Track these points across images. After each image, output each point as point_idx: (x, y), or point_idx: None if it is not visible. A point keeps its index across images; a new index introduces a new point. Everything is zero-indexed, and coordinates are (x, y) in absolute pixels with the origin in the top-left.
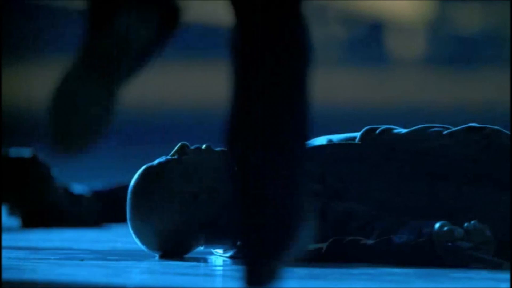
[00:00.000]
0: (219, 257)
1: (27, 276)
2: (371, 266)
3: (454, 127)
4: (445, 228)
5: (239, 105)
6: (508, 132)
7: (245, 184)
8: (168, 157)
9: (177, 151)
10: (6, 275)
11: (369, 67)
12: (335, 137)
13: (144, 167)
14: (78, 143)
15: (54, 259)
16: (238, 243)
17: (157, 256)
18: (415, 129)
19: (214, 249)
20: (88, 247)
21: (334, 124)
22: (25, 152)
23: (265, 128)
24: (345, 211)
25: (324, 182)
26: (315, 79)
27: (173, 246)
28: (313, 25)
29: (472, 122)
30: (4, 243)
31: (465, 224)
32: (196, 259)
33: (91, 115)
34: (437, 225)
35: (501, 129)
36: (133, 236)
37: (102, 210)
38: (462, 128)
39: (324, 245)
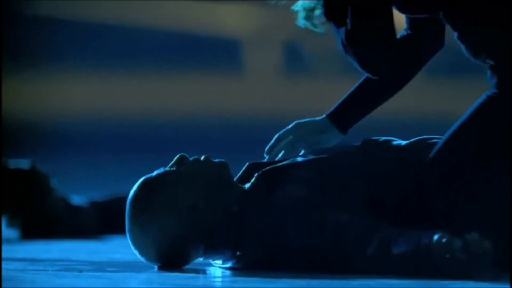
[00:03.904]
0: (218, 268)
1: (26, 287)
2: (370, 277)
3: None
4: (444, 239)
5: None
6: None
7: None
8: (167, 168)
9: (176, 162)
10: (5, 286)
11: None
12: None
13: (143, 178)
14: None
15: (53, 270)
16: (237, 253)
17: (156, 267)
18: (415, 141)
19: (213, 260)
20: (86, 258)
21: None
22: (24, 163)
23: None
24: (343, 221)
25: (323, 192)
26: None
27: (172, 257)
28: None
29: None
30: (3, 254)
31: (464, 235)
32: (195, 270)
33: None
34: (435, 236)
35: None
36: (132, 247)
37: (101, 221)
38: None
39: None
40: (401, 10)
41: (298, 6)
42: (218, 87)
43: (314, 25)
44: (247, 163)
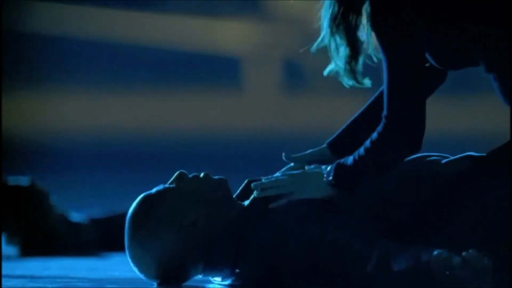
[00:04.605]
0: (217, 285)
1: None
2: None
3: (453, 156)
4: (443, 256)
5: None
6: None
7: None
8: (166, 185)
9: (175, 179)
10: None
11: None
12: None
13: (142, 195)
14: None
15: (52, 287)
16: (237, 270)
17: (155, 284)
18: (415, 158)
19: (212, 277)
20: (86, 275)
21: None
22: (24, 180)
23: None
24: (343, 237)
25: (322, 209)
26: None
27: (172, 274)
28: None
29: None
30: (2, 271)
31: (463, 253)
32: (195, 287)
33: None
34: (435, 253)
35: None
36: (131, 264)
37: (101, 238)
38: (461, 157)
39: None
40: (439, 64)
41: (337, 66)
42: (217, 104)
43: (361, 82)
44: (246, 180)
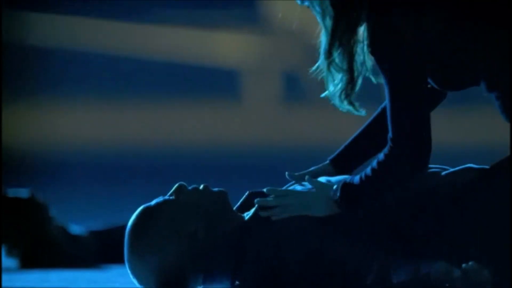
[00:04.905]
0: None
1: None
2: None
3: (452, 167)
4: (443, 269)
5: None
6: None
7: None
8: (166, 197)
9: (174, 191)
10: None
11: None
12: (334, 178)
13: (141, 207)
14: None
15: None
16: (236, 282)
17: None
18: None
19: None
20: (86, 287)
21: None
22: (23, 192)
23: None
24: (343, 249)
25: (323, 221)
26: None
27: (171, 286)
28: None
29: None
30: (2, 284)
31: (463, 265)
32: None
33: None
34: (435, 266)
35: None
36: (131, 275)
37: (100, 250)
38: (461, 169)
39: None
40: (441, 87)
41: (332, 91)
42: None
43: (357, 109)
44: (247, 192)
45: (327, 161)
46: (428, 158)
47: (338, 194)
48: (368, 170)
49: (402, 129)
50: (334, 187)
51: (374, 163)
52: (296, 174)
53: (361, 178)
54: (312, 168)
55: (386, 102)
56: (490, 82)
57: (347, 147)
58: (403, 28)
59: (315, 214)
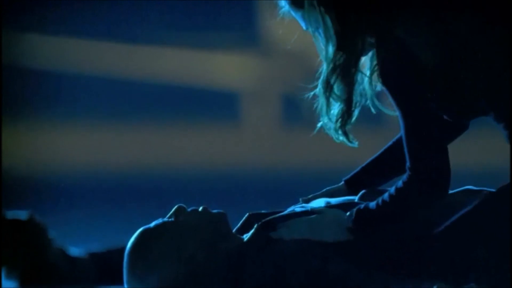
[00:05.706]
0: None
1: None
2: None
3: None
4: None
5: None
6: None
7: None
8: (165, 219)
9: (174, 213)
10: None
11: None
12: (334, 200)
13: (141, 229)
14: None
15: None
16: None
17: None
18: None
19: None
20: None
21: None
22: (22, 214)
23: None
24: (343, 270)
25: (323, 242)
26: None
27: None
28: None
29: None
30: None
31: (464, 286)
32: None
33: None
34: (435, 286)
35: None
36: None
37: (99, 272)
38: (460, 191)
39: None
40: (450, 117)
41: (327, 123)
42: (216, 138)
43: (350, 141)
44: (247, 214)
45: (342, 182)
46: (448, 187)
47: (351, 219)
48: (385, 196)
49: (420, 160)
50: (347, 213)
51: (392, 190)
52: (309, 197)
53: (377, 204)
54: (326, 189)
55: (401, 132)
56: (497, 113)
57: (364, 169)
58: (414, 58)
59: (324, 239)
